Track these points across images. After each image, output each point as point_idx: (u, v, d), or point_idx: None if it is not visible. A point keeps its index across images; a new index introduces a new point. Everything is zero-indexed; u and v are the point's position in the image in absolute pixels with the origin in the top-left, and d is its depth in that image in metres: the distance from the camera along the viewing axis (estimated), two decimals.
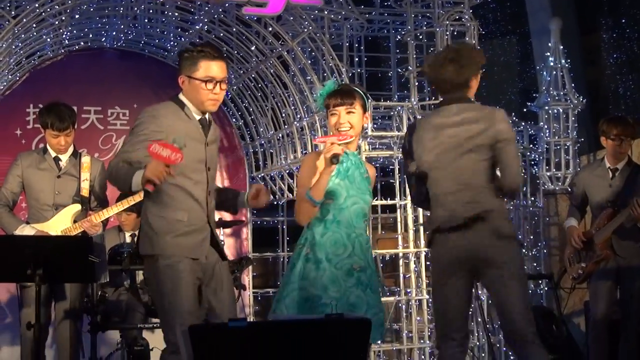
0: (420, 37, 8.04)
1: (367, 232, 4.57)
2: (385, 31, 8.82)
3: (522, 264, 4.55)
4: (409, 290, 7.31)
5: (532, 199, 8.39)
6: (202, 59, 4.25)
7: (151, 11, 8.20)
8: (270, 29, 7.71)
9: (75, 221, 5.65)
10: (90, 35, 8.42)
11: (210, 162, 4.37)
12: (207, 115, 4.40)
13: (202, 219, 4.32)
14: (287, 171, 8.27)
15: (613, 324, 6.14)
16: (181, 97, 4.35)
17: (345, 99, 4.31)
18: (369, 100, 4.54)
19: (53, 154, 5.75)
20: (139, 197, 5.51)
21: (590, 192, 6.26)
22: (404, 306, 7.36)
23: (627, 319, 6.04)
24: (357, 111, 4.32)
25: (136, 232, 6.86)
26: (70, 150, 5.80)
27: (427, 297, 7.26)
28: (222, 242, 4.55)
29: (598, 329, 6.12)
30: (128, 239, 6.85)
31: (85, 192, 5.74)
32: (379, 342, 7.36)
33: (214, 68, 4.26)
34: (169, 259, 4.19)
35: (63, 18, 7.61)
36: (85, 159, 5.81)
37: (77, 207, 5.69)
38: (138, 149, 4.15)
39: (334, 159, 4.07)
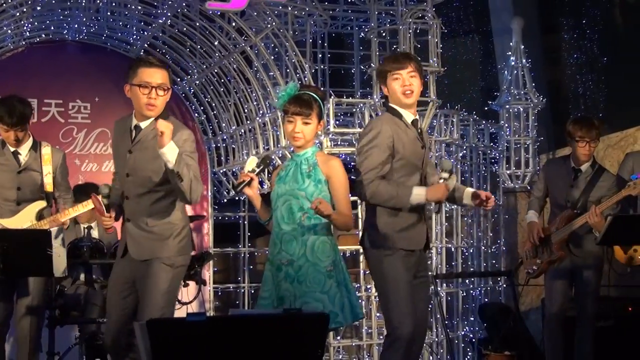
0: (384, 34, 8.07)
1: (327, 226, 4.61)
2: (349, 28, 8.85)
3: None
4: (369, 286, 7.33)
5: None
6: (140, 66, 4.52)
7: (114, 4, 8.15)
8: (233, 24, 7.70)
9: (40, 217, 5.59)
10: (52, 28, 8.35)
11: (132, 169, 4.59)
12: (147, 121, 4.58)
13: (123, 221, 4.69)
14: None
15: (568, 321, 6.22)
16: None
17: (304, 109, 4.54)
18: (326, 104, 4.72)
19: (12, 149, 5.66)
20: (82, 208, 5.62)
21: (552, 189, 6.32)
22: (363, 302, 7.38)
23: (582, 316, 6.12)
24: (312, 122, 4.56)
25: (92, 224, 6.85)
26: (30, 143, 5.70)
27: None
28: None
29: (553, 325, 6.20)
30: (84, 231, 6.82)
31: (49, 187, 5.67)
32: (339, 337, 7.40)
33: (149, 74, 4.49)
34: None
35: (24, 9, 7.55)
36: (46, 150, 5.73)
37: (42, 203, 5.63)
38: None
39: (235, 188, 4.71)
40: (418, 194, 4.51)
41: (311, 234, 4.48)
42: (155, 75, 4.49)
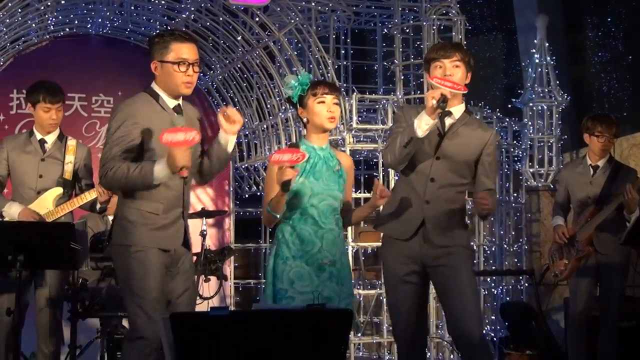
0: (407, 30, 8.04)
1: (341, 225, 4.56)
2: (372, 24, 8.82)
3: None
4: None
5: (515, 195, 8.42)
6: (173, 42, 4.23)
7: None
8: (257, 19, 7.70)
9: (58, 204, 5.62)
10: (76, 22, 8.38)
11: None
12: (180, 101, 4.34)
13: (177, 210, 4.30)
14: None
15: (592, 320, 6.17)
16: (154, 86, 4.32)
17: (334, 91, 4.46)
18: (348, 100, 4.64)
19: (39, 137, 5.68)
20: (95, 193, 5.51)
21: (572, 189, 6.29)
22: (384, 299, 7.36)
23: (606, 316, 6.07)
24: (339, 103, 4.48)
25: None
26: (57, 132, 5.75)
27: None
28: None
29: (576, 325, 6.15)
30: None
31: (68, 175, 5.69)
32: (359, 334, 7.39)
33: (185, 50, 4.23)
34: (139, 247, 4.20)
35: (49, 3, 7.57)
36: (71, 142, 5.77)
37: (59, 190, 5.64)
38: (124, 148, 4.15)
39: (285, 186, 4.14)
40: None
41: (341, 235, 4.50)
42: (192, 51, 4.25)
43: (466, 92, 4.34)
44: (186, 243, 4.39)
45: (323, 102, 4.40)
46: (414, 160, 4.40)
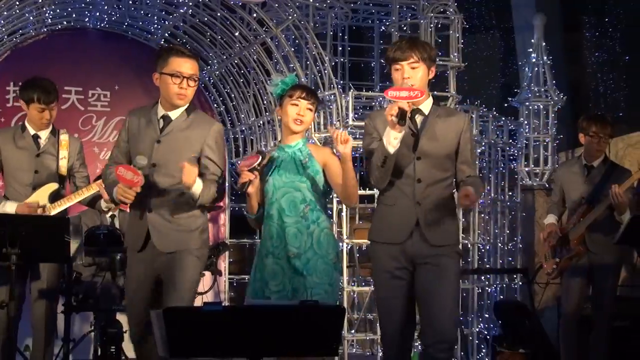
0: (405, 28, 8.04)
1: (325, 214, 4.61)
2: (370, 21, 8.83)
3: None
4: None
5: (510, 193, 8.43)
6: (172, 56, 4.54)
7: None
8: (254, 15, 7.71)
9: (53, 200, 5.58)
10: (74, 15, 8.37)
11: (161, 159, 4.53)
12: (176, 112, 4.60)
13: (143, 213, 4.55)
14: None
15: (584, 320, 6.20)
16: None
17: (310, 96, 4.61)
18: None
19: (32, 132, 5.63)
20: (96, 187, 5.57)
21: (567, 188, 6.31)
22: None
23: (599, 315, 6.10)
24: (313, 109, 4.62)
25: (115, 214, 6.84)
26: (50, 127, 5.71)
27: None
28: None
29: (568, 324, 6.18)
30: (108, 220, 6.81)
31: (63, 170, 5.66)
32: (353, 331, 7.40)
33: (181, 64, 4.52)
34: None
35: None
36: (64, 137, 5.71)
37: (55, 185, 5.60)
38: (114, 153, 4.71)
39: (242, 187, 4.45)
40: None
41: (315, 225, 4.50)
42: (187, 65, 4.52)
43: (423, 96, 4.23)
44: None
45: (296, 104, 4.55)
46: (396, 164, 4.29)
